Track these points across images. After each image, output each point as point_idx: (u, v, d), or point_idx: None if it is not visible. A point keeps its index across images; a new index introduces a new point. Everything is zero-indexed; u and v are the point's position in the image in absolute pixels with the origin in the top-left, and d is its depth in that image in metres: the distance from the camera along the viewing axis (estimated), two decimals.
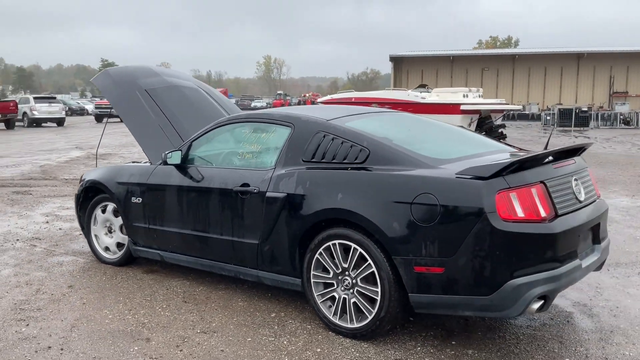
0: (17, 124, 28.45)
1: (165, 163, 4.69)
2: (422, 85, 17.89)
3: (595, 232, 3.82)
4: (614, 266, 5.32)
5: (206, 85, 6.57)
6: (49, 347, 3.63)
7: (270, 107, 53.87)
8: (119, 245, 5.35)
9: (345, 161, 3.83)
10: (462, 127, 5.00)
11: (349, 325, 3.71)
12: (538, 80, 52.60)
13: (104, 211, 5.39)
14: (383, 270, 3.51)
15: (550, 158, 3.72)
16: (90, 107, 42.91)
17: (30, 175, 11.47)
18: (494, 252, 3.22)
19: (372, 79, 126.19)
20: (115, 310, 4.26)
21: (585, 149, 4.12)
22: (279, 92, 62.75)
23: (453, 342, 3.70)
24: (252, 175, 4.19)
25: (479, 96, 15.98)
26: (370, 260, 3.57)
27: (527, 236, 3.23)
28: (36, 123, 29.58)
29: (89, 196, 5.48)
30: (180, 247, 4.72)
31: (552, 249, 3.30)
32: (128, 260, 5.30)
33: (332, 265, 3.77)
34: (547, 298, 3.31)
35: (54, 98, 31.79)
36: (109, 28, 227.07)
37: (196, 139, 4.75)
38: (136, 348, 3.61)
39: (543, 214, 3.33)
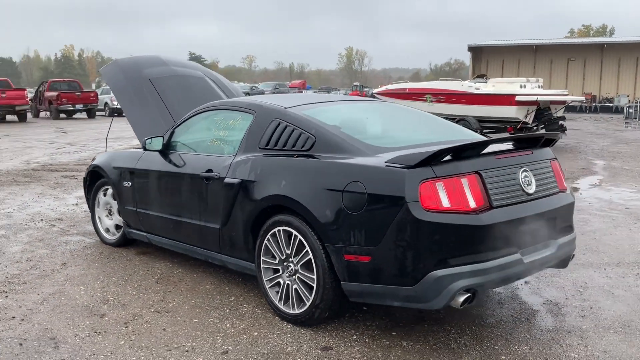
0: (98, 113, 30.09)
1: (144, 149, 4.88)
2: (481, 76, 17.34)
3: (550, 226, 3.64)
4: (614, 265, 5.02)
5: (216, 75, 6.74)
6: (13, 317, 3.91)
7: None
8: (117, 227, 5.62)
9: (294, 148, 3.85)
10: (450, 119, 4.85)
11: (291, 311, 3.75)
12: (629, 71, 49.55)
13: (105, 194, 5.68)
14: (318, 258, 3.52)
15: (507, 146, 3.60)
16: None
17: (86, 162, 12.16)
18: (415, 242, 3.16)
19: (456, 69, 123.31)
20: (90, 287, 4.50)
21: (553, 141, 3.93)
22: (355, 83, 62.66)
23: (393, 333, 3.65)
24: (216, 162, 4.30)
25: (539, 87, 15.31)
26: (307, 248, 3.58)
27: (452, 227, 3.14)
28: (117, 113, 31.12)
29: (94, 179, 5.78)
30: (161, 230, 4.91)
31: (479, 241, 3.19)
32: (126, 241, 5.56)
33: (277, 251, 3.81)
34: (474, 291, 3.21)
35: None
36: (197, 22, 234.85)
37: (178, 126, 4.92)
38: (87, 322, 3.82)
39: (472, 204, 3.22)
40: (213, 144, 4.53)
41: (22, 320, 3.87)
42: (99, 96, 29.55)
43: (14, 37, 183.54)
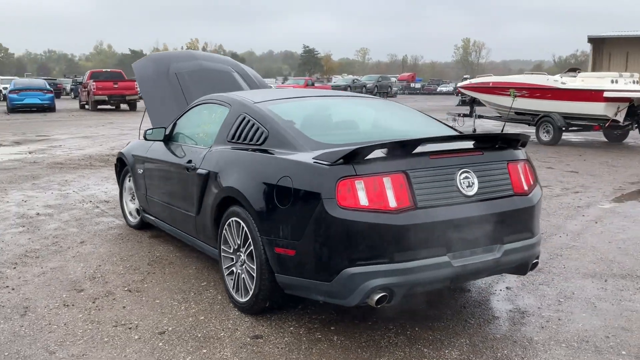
0: None
1: (145, 138, 5.21)
2: (573, 69, 16.24)
3: (495, 230, 3.49)
4: (619, 277, 4.67)
5: (245, 69, 6.97)
6: (7, 287, 4.37)
7: (455, 92, 52.97)
8: (138, 211, 6.03)
9: (251, 142, 3.98)
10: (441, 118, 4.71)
11: (240, 300, 3.89)
12: None
13: (130, 180, 6.11)
14: (257, 249, 3.63)
15: (449, 146, 3.50)
16: None
17: None
18: (331, 239, 3.19)
19: (582, 61, 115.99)
20: (89, 264, 4.90)
21: (519, 142, 3.75)
22: (465, 76, 60.97)
23: (332, 328, 3.68)
24: (195, 153, 4.52)
25: (634, 82, 14.13)
26: (250, 239, 3.70)
27: (368, 226, 3.13)
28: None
29: (122, 166, 6.24)
30: (162, 215, 5.23)
31: (397, 241, 3.15)
32: (145, 224, 5.95)
33: (232, 241, 3.96)
34: (391, 291, 3.18)
35: None
36: (314, 16, 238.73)
37: (179, 117, 5.20)
38: (64, 295, 4.19)
39: (393, 204, 3.18)
40: (199, 136, 4.76)
41: (13, 289, 4.31)
42: None
43: (145, 30, 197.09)
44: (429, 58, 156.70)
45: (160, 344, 3.45)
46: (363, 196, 3.17)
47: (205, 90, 6.21)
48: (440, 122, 4.52)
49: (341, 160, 3.20)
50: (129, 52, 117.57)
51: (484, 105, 17.19)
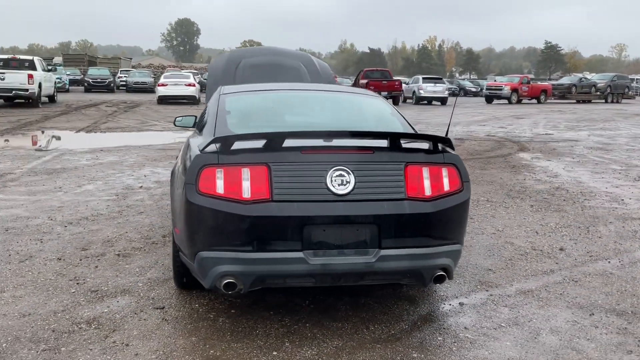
0: (407, 101, 32.13)
1: (174, 124, 5.79)
2: None
3: (372, 233, 3.29)
4: (615, 315, 3.95)
5: (318, 66, 7.15)
6: (39, 239, 5.29)
7: None
8: None
9: (198, 130, 4.29)
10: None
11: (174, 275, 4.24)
12: None
13: None
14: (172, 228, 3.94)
15: (329, 143, 3.41)
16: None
17: None
18: (190, 222, 3.36)
19: None
20: (119, 231, 5.64)
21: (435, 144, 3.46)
22: None
23: (232, 311, 3.83)
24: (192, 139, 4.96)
25: None
26: None
27: (220, 213, 3.24)
28: (426, 101, 32.70)
29: None
30: None
31: (246, 231, 3.21)
32: None
33: None
34: (238, 279, 3.25)
35: (440, 79, 34.37)
36: (560, 9, 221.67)
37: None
38: (68, 252, 4.95)
39: (247, 195, 3.24)
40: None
41: (41, 242, 5.22)
42: (408, 85, 31.54)
43: (385, 29, 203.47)
44: None
45: (82, 299, 3.97)
46: (220, 185, 3.28)
47: (265, 82, 6.61)
48: (409, 124, 4.26)
49: (211, 147, 3.35)
50: (368, 51, 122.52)
51: None
